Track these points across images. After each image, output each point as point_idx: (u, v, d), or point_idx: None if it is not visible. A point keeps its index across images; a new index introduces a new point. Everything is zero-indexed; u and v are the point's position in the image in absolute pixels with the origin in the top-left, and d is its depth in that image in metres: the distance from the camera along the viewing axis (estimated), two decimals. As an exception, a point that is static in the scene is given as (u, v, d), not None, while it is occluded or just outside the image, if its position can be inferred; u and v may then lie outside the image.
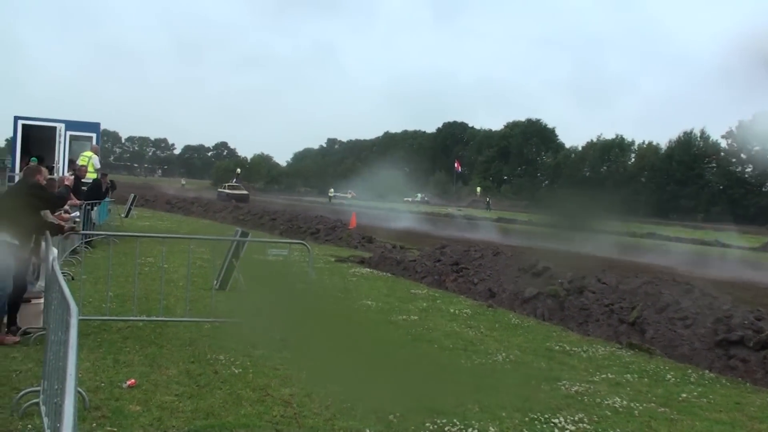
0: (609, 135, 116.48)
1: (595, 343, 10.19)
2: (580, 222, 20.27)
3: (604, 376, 8.24)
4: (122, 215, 26.67)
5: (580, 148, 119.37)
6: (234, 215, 35.28)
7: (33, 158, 20.30)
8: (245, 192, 73.07)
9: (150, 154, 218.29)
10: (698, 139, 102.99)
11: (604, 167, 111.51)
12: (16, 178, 20.43)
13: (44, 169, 8.78)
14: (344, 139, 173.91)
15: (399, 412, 6.24)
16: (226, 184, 78.19)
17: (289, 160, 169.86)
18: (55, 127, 21.88)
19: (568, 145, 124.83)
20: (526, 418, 6.39)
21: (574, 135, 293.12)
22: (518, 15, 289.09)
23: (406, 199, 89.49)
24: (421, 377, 7.58)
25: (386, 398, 6.62)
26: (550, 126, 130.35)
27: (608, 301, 11.56)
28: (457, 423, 6.10)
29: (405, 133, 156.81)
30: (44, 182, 8.67)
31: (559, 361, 8.85)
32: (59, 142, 21.73)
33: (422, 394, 6.90)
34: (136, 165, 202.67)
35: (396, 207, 65.11)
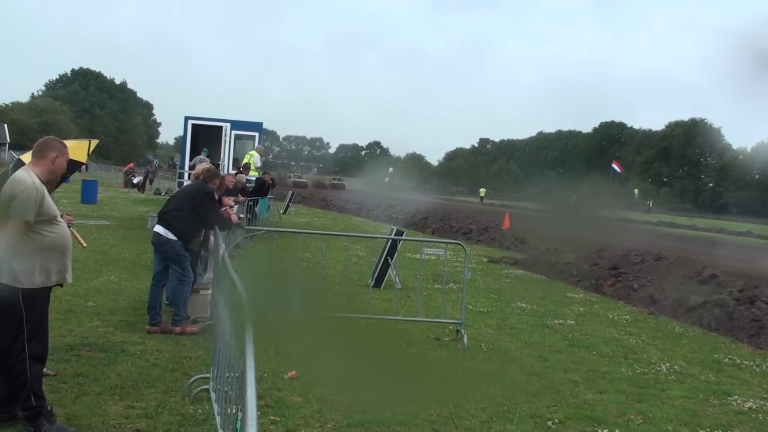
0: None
1: (768, 357, 9.51)
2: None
3: (780, 393, 7.66)
4: (281, 211, 27.68)
5: (749, 150, 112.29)
6: (387, 213, 35.74)
7: (205, 149, 21.47)
8: None
9: (306, 152, 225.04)
10: None
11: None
12: (185, 175, 21.59)
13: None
14: (496, 139, 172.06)
15: (557, 418, 6.06)
16: None
17: (440, 159, 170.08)
18: (221, 127, 22.90)
19: (735, 146, 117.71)
20: (695, 434, 6.05)
21: (743, 135, 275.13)
22: (685, 3, 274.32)
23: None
24: (579, 384, 7.33)
25: (544, 403, 6.47)
26: (716, 126, 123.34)
27: (784, 312, 10.77)
28: (620, 434, 5.86)
29: (559, 133, 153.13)
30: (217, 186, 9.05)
31: (728, 375, 8.31)
32: (225, 141, 22.73)
33: (581, 401, 6.68)
34: (293, 163, 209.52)
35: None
